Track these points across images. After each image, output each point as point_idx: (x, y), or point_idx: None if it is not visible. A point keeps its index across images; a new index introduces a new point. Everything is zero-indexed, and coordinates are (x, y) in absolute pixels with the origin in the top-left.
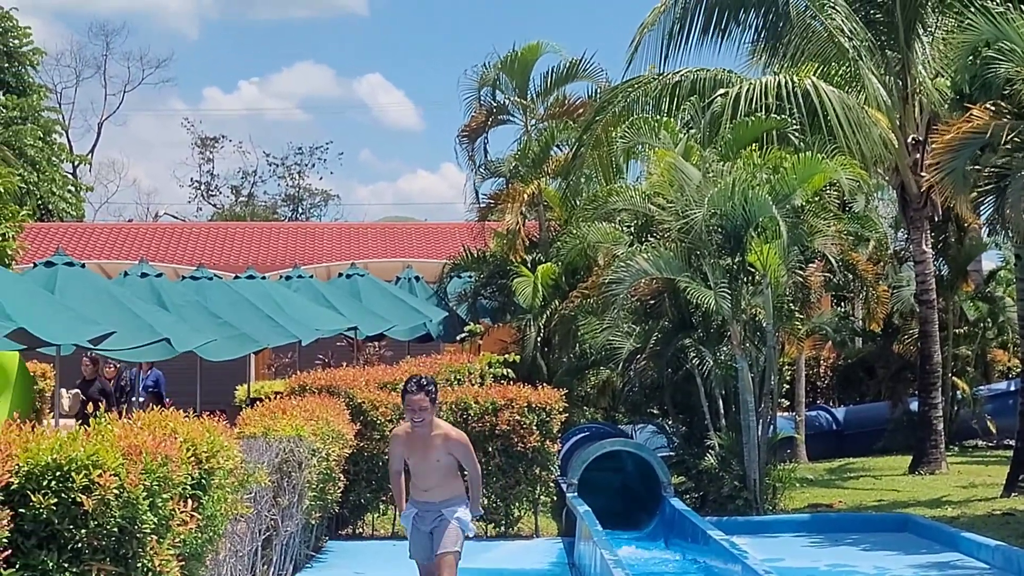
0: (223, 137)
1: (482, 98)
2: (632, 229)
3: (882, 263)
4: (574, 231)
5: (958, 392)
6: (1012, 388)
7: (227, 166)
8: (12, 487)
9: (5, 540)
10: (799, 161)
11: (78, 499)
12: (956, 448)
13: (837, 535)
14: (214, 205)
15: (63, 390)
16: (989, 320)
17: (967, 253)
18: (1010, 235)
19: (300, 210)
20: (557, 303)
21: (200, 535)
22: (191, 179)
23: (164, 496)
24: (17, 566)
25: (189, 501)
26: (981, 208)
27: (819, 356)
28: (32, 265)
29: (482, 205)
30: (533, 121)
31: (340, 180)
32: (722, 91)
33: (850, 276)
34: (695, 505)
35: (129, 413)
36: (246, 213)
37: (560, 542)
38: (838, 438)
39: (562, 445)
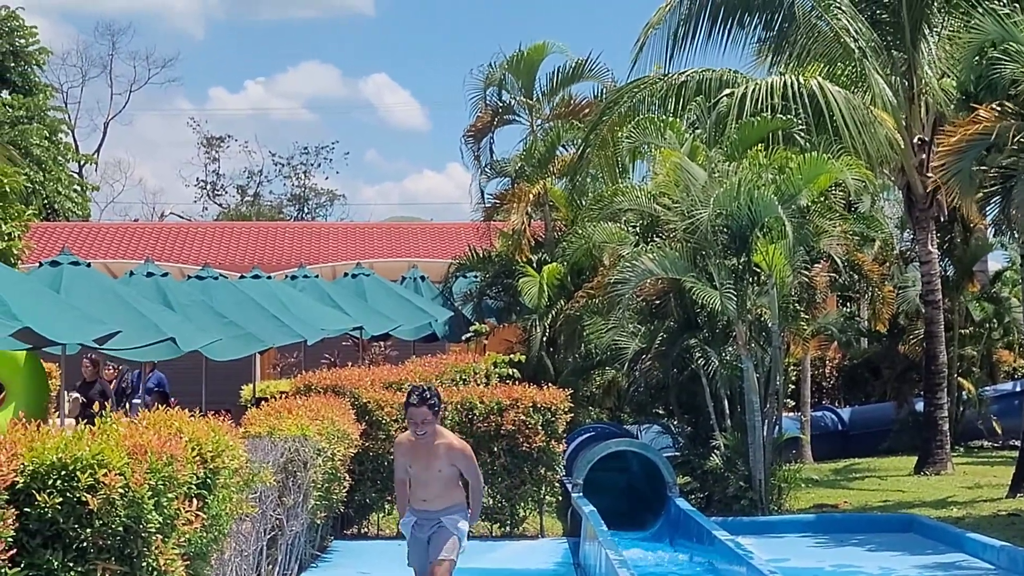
0: (229, 137)
1: (488, 98)
2: (638, 229)
3: (888, 263)
4: (580, 231)
5: (964, 393)
6: (1017, 389)
7: (233, 166)
8: (17, 486)
9: (10, 539)
10: (805, 161)
11: (83, 498)
12: (961, 449)
13: (842, 535)
14: (220, 205)
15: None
16: (995, 320)
17: (973, 253)
18: (1016, 235)
19: (306, 210)
20: (562, 303)
21: (205, 534)
22: (197, 179)
23: (169, 495)
24: (22, 565)
25: (194, 500)
26: (987, 209)
27: (824, 356)
28: (38, 264)
29: (488, 205)
30: (539, 121)
31: (346, 180)
32: (728, 91)
33: (856, 276)
34: (700, 505)
35: (129, 415)
36: (252, 213)
37: (565, 542)
38: (843, 438)
39: (567, 445)
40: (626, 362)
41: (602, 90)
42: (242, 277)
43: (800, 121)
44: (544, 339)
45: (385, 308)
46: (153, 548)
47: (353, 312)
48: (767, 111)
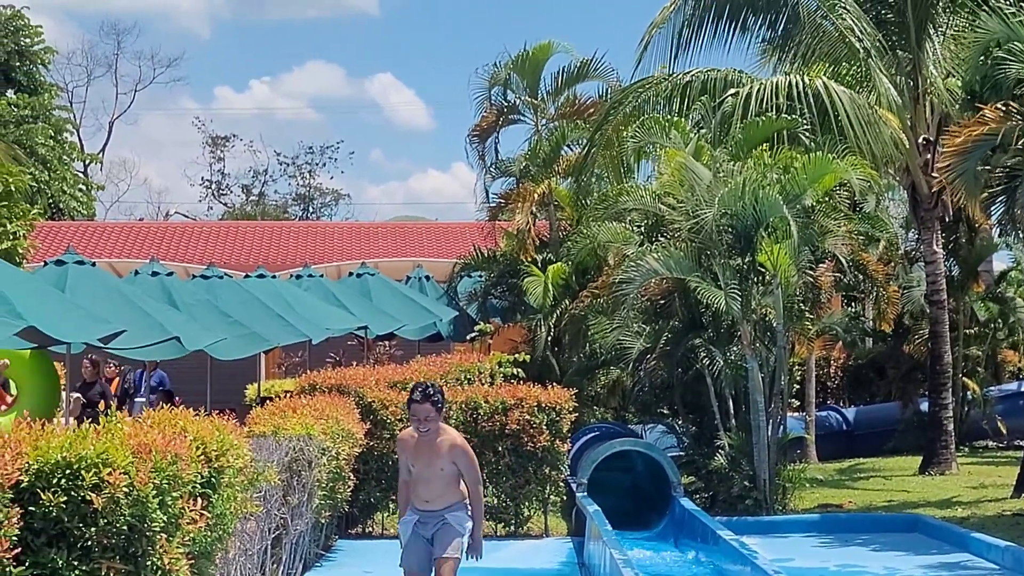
0: (234, 136)
1: (493, 98)
2: (642, 229)
3: (893, 263)
4: (584, 231)
5: (968, 393)
6: (1022, 389)
7: (238, 165)
8: (22, 485)
9: (15, 538)
10: (810, 161)
11: (88, 497)
12: (966, 449)
13: (847, 535)
14: (225, 204)
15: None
16: (1000, 321)
17: (978, 253)
18: (1021, 235)
19: (311, 209)
20: (567, 303)
21: (210, 533)
22: (202, 178)
23: (174, 494)
24: (27, 564)
25: (199, 499)
26: (992, 208)
27: (829, 356)
28: (43, 264)
29: (493, 205)
30: (544, 121)
31: (351, 179)
32: (733, 91)
33: (860, 276)
34: (705, 505)
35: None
36: (257, 212)
37: (570, 542)
38: (848, 438)
39: (572, 445)
40: (631, 362)
41: (607, 90)
42: (247, 276)
43: (805, 121)
44: (549, 339)
45: (390, 308)
46: (157, 547)
47: (358, 311)
48: (772, 111)
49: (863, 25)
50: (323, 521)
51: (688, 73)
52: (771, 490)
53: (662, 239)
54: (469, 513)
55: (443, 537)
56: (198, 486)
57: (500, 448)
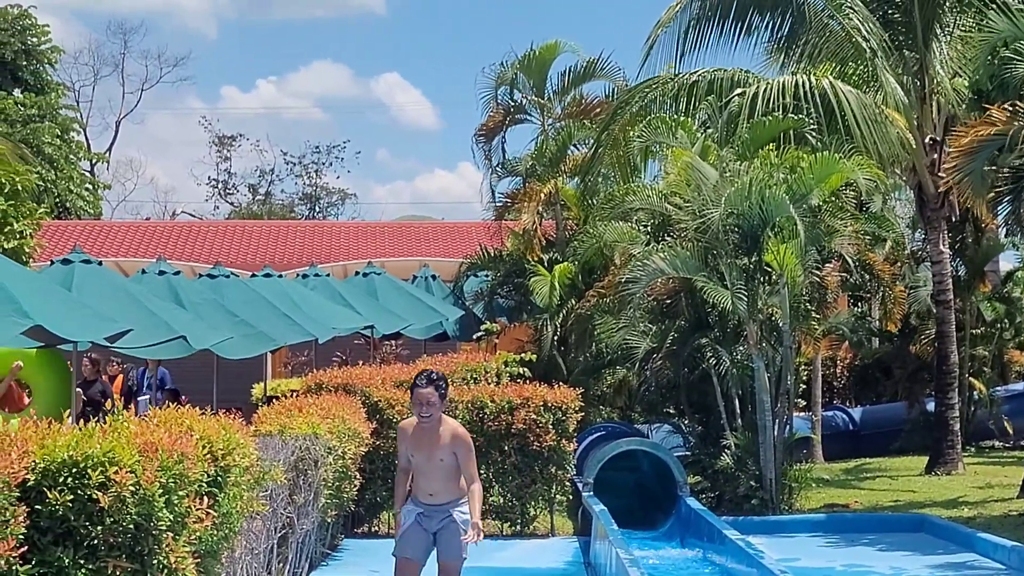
0: (240, 136)
1: (499, 97)
2: (649, 228)
3: (899, 263)
4: (591, 230)
5: (975, 393)
6: None
7: (244, 165)
8: (28, 484)
9: (21, 536)
10: (816, 161)
11: (94, 496)
12: (973, 449)
13: (853, 535)
14: (231, 203)
15: None
16: (1006, 321)
17: (984, 253)
18: None
19: (317, 209)
20: (573, 302)
21: (216, 532)
22: (208, 177)
23: (180, 493)
24: (33, 562)
25: (205, 498)
26: (999, 209)
27: (836, 356)
28: (49, 263)
29: (499, 204)
30: (550, 120)
31: (357, 179)
32: (739, 91)
33: (867, 276)
34: (711, 505)
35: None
36: (263, 212)
37: (576, 541)
38: (854, 438)
39: (578, 444)
40: (637, 361)
41: (613, 89)
42: (253, 276)
43: (812, 121)
44: (555, 338)
45: (396, 307)
46: (164, 546)
47: (364, 311)
48: (778, 111)
49: (869, 25)
50: (329, 520)
51: (695, 73)
52: (777, 490)
53: (668, 239)
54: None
55: (449, 539)
56: (204, 485)
57: (506, 447)
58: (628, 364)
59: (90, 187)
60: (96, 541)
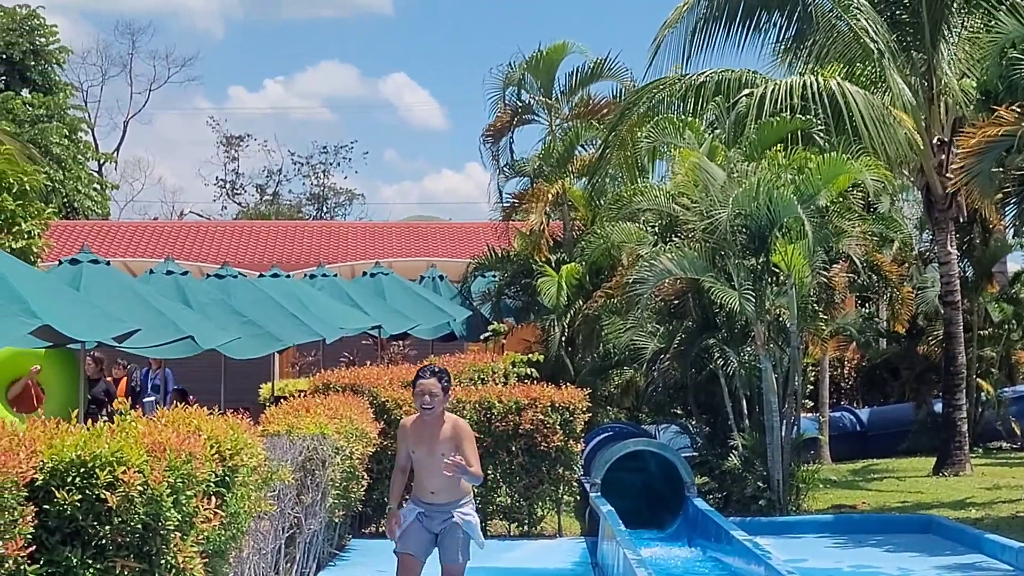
0: (248, 136)
1: (507, 98)
2: (656, 229)
3: (907, 264)
4: (598, 231)
5: (982, 394)
6: None
7: (252, 165)
8: (37, 483)
9: (30, 536)
10: (824, 162)
11: (102, 496)
12: (980, 450)
13: (860, 536)
14: (239, 204)
15: None
16: (1014, 322)
17: (992, 254)
18: None
19: (325, 209)
20: (581, 303)
21: (224, 532)
22: (216, 178)
23: (188, 493)
24: (41, 562)
25: (213, 498)
26: (1006, 210)
27: (843, 357)
28: (57, 263)
29: (506, 205)
30: (558, 121)
31: (365, 179)
32: (747, 91)
33: (875, 277)
34: (718, 505)
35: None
36: (271, 212)
37: (583, 542)
38: (862, 439)
39: (585, 445)
40: (644, 362)
41: (621, 90)
42: (261, 276)
43: (819, 121)
44: (562, 339)
45: (404, 307)
46: (172, 546)
47: (372, 311)
48: (786, 111)
49: (877, 26)
50: (337, 520)
51: (702, 73)
52: (785, 491)
53: (676, 239)
54: (474, 504)
55: (452, 543)
56: (212, 485)
57: (514, 448)
58: (635, 365)
59: (98, 187)
60: (104, 541)
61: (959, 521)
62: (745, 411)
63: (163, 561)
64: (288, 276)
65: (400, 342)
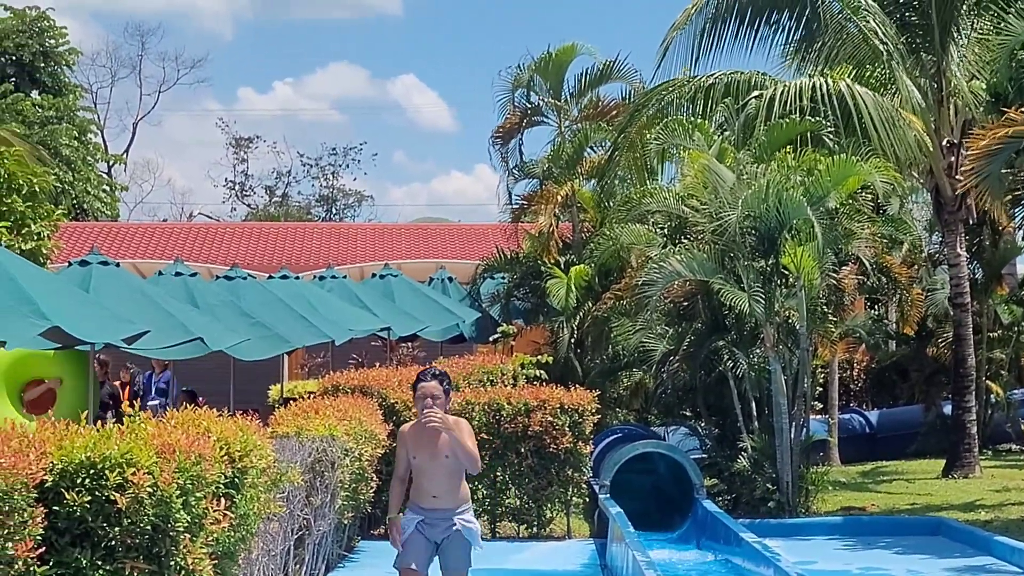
0: (257, 137)
1: (516, 100)
2: (666, 231)
3: (916, 266)
4: (607, 233)
5: (992, 396)
6: None
7: (261, 166)
8: (46, 485)
9: (39, 537)
10: (833, 163)
11: (112, 497)
12: (989, 452)
13: (870, 538)
14: (248, 205)
15: None
16: (1023, 324)
17: (1002, 256)
18: None
19: (334, 211)
20: (590, 305)
21: (233, 534)
22: (225, 179)
23: (197, 495)
24: (51, 563)
25: (222, 500)
26: (1016, 211)
27: (852, 359)
28: (67, 264)
29: (515, 206)
30: (567, 122)
31: (374, 181)
32: (756, 93)
33: (884, 279)
34: (727, 507)
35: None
36: (280, 213)
37: (592, 543)
38: (871, 441)
39: (594, 447)
40: (654, 364)
41: (630, 91)
42: (270, 277)
43: (829, 123)
44: (572, 341)
45: (413, 309)
46: (181, 547)
47: (381, 313)
48: (796, 113)
49: (886, 28)
50: (346, 522)
51: (711, 75)
52: (794, 492)
53: (685, 241)
54: (472, 511)
55: (455, 552)
56: (222, 486)
57: (523, 450)
58: (645, 366)
59: (107, 189)
60: (113, 542)
61: (968, 523)
62: (754, 413)
63: (172, 562)
64: (297, 278)
65: (409, 344)
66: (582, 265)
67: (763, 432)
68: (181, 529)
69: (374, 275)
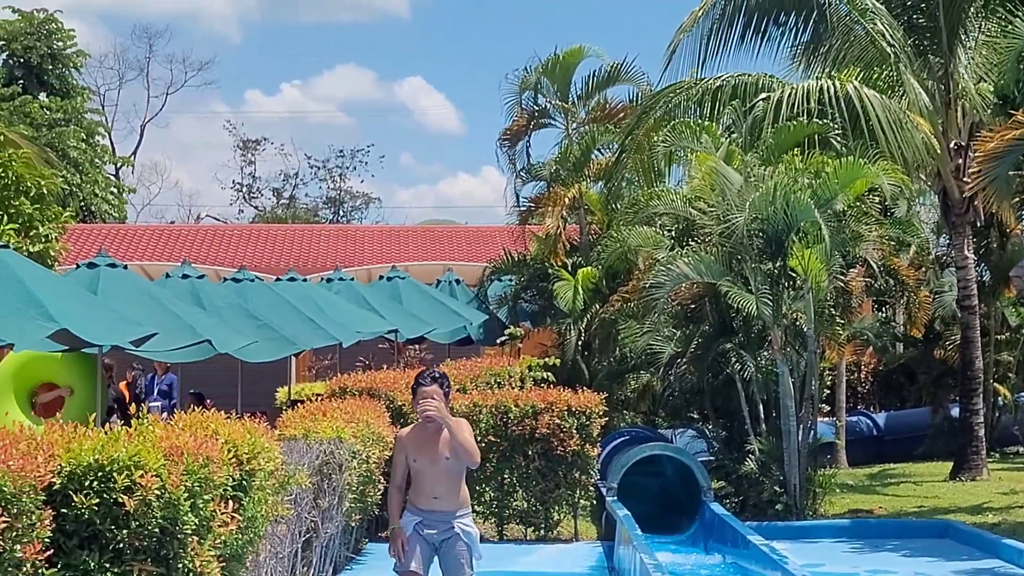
0: (265, 140)
1: (523, 102)
2: (673, 233)
3: (924, 268)
4: (615, 235)
5: (999, 398)
6: None
7: (268, 168)
8: (54, 487)
9: (47, 540)
10: (841, 166)
11: (120, 499)
12: (997, 454)
13: (877, 541)
14: (255, 207)
15: None
16: None
17: (1009, 258)
18: None
19: (341, 213)
20: (597, 307)
21: (241, 536)
22: (233, 181)
23: (205, 497)
24: (59, 566)
25: (230, 502)
26: (1023, 213)
27: (860, 361)
28: (75, 266)
29: (523, 208)
30: (574, 125)
31: (381, 183)
32: (764, 96)
33: (891, 281)
34: (735, 510)
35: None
36: (287, 215)
37: (600, 546)
38: (878, 443)
39: (602, 449)
40: (661, 366)
41: (638, 94)
42: (278, 279)
43: (836, 125)
44: (579, 343)
45: (420, 311)
46: (189, 549)
47: (388, 315)
48: (803, 115)
49: (893, 31)
50: (353, 524)
51: (719, 78)
52: (801, 495)
53: (693, 243)
54: (471, 515)
55: (456, 555)
56: (229, 489)
57: (530, 452)
58: (652, 369)
59: (115, 191)
60: (121, 545)
61: (976, 526)
62: (762, 415)
63: (180, 565)
64: (305, 280)
65: (416, 346)
66: (589, 267)
67: (770, 435)
68: (189, 531)
69: (381, 277)
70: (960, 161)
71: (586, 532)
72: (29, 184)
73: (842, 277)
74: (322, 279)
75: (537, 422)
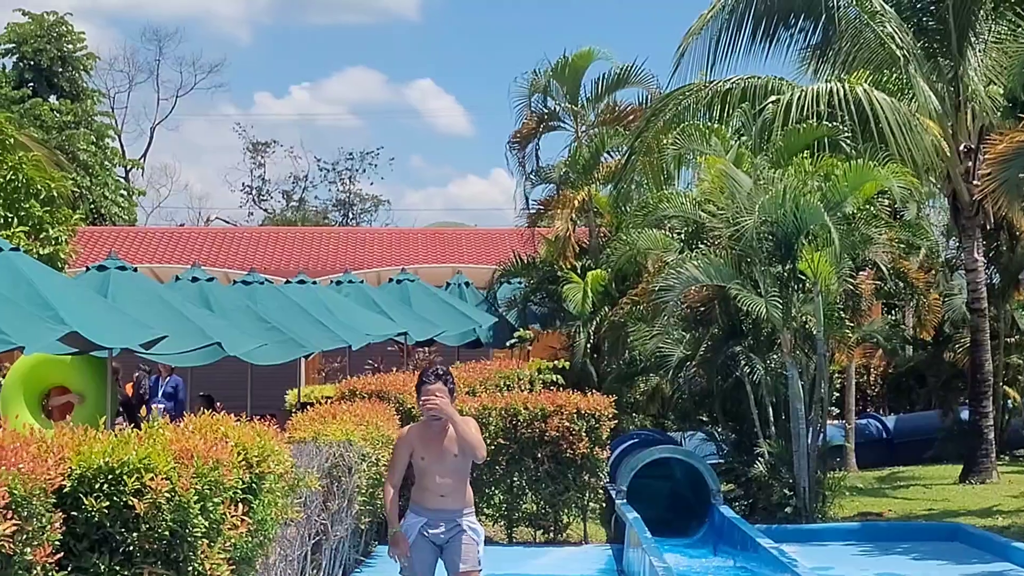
0: (274, 142)
1: (533, 104)
2: (682, 236)
3: (933, 271)
4: (624, 238)
5: (1009, 401)
6: None
7: (278, 171)
8: (64, 490)
9: (57, 542)
10: (851, 168)
11: (130, 502)
12: (1007, 457)
13: (886, 544)
14: (265, 210)
15: None
16: None
17: (1019, 261)
18: None
19: (351, 215)
20: (607, 310)
21: (251, 539)
22: (242, 184)
23: (215, 500)
24: (69, 569)
25: (240, 505)
26: None
27: (869, 364)
28: (85, 269)
29: (532, 211)
30: (584, 127)
31: (390, 185)
32: (773, 98)
33: (901, 284)
34: (744, 513)
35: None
36: (297, 218)
37: (609, 549)
38: (888, 446)
39: (611, 452)
40: (670, 369)
41: (647, 96)
42: (287, 282)
43: (846, 128)
44: (588, 345)
45: (429, 314)
46: (199, 552)
47: (398, 317)
48: (813, 118)
49: (903, 33)
50: (363, 527)
51: (728, 80)
52: (811, 498)
53: (702, 246)
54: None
55: (463, 551)
56: (239, 492)
57: (539, 455)
58: (661, 372)
59: (125, 193)
60: (132, 547)
61: (986, 529)
62: (771, 418)
63: (190, 568)
64: (314, 282)
65: (426, 348)
66: (599, 270)
67: (780, 437)
68: (199, 534)
69: (391, 280)
70: (970, 164)
71: (595, 535)
72: (39, 187)
73: (852, 280)
74: (331, 282)
75: (546, 425)
